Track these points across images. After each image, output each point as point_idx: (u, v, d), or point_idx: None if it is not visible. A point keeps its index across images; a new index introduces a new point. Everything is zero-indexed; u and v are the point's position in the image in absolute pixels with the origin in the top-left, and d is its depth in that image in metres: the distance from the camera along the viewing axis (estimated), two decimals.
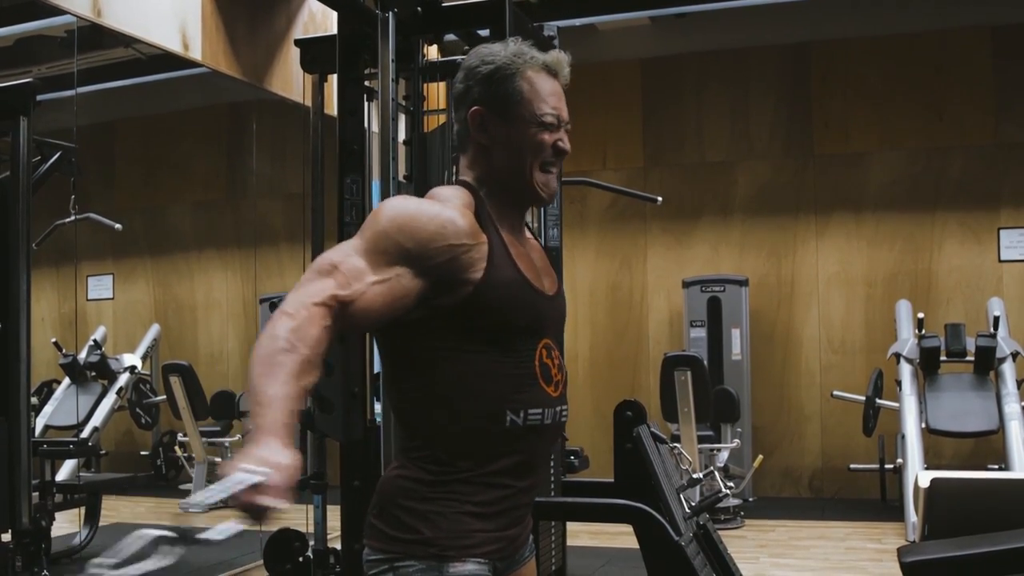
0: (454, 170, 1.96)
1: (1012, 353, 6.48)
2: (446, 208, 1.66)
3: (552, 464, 3.22)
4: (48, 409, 5.17)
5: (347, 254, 1.59)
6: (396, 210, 1.66)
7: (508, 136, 1.72)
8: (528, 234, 1.85)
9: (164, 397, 5.98)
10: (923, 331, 6.61)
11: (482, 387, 1.66)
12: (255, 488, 1.33)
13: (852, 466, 7.09)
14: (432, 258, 1.60)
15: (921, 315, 6.67)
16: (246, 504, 1.34)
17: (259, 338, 1.48)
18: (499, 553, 1.70)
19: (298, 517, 4.18)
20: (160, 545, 1.37)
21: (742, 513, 6.61)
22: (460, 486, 1.66)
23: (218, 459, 6.27)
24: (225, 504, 1.36)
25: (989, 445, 6.73)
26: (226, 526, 1.36)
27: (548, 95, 1.73)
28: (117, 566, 1.32)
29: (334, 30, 3.82)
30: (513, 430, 1.66)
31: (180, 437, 6.20)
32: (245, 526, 1.37)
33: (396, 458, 1.75)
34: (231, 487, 1.34)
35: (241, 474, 1.34)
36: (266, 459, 1.35)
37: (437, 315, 1.64)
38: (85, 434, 5.11)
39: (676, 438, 6.23)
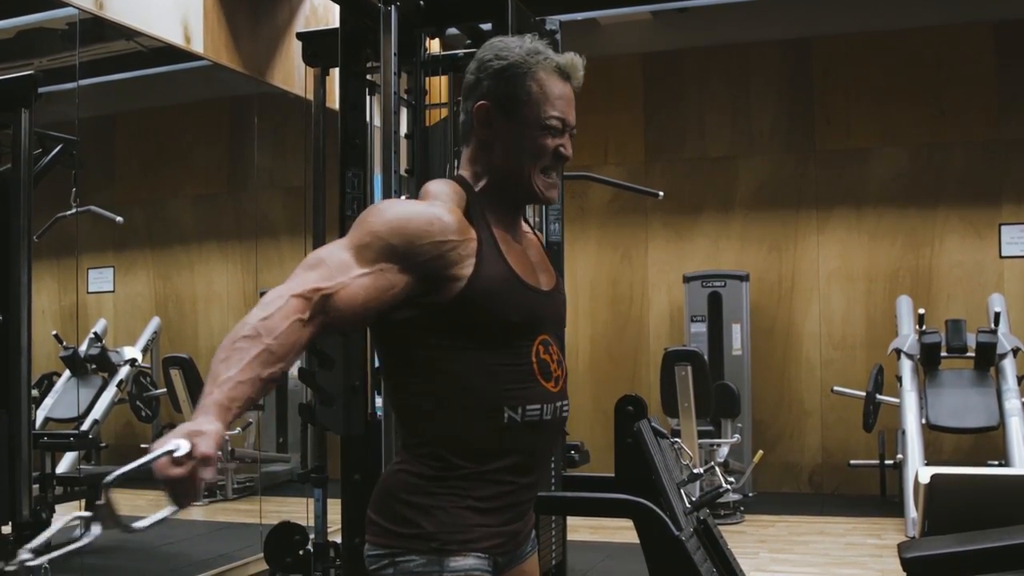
0: (455, 163, 1.96)
1: (1013, 349, 6.48)
2: (434, 205, 1.66)
3: (552, 458, 3.22)
4: (48, 402, 5.17)
5: (334, 249, 1.61)
6: (385, 208, 1.67)
7: (511, 135, 1.72)
8: (527, 229, 1.85)
9: (164, 390, 5.98)
10: (924, 327, 6.61)
11: (479, 385, 1.65)
12: (174, 460, 1.32)
13: (852, 462, 7.10)
14: (418, 255, 1.60)
15: (922, 311, 6.67)
16: (164, 477, 1.32)
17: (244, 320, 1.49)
18: (500, 548, 1.70)
19: (298, 511, 4.19)
20: (87, 527, 1.36)
21: (742, 508, 6.62)
22: (461, 482, 1.66)
23: (218, 452, 6.26)
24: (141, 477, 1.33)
25: (989, 441, 6.73)
26: (157, 513, 1.35)
27: (556, 99, 1.72)
28: (43, 550, 1.33)
29: (336, 24, 3.81)
30: (512, 427, 1.66)
31: None
32: (170, 511, 1.35)
33: (398, 454, 1.75)
34: (146, 459, 1.32)
35: (169, 444, 1.32)
36: (192, 432, 1.35)
37: (430, 313, 1.64)
38: (85, 427, 5.11)
39: (676, 433, 6.23)
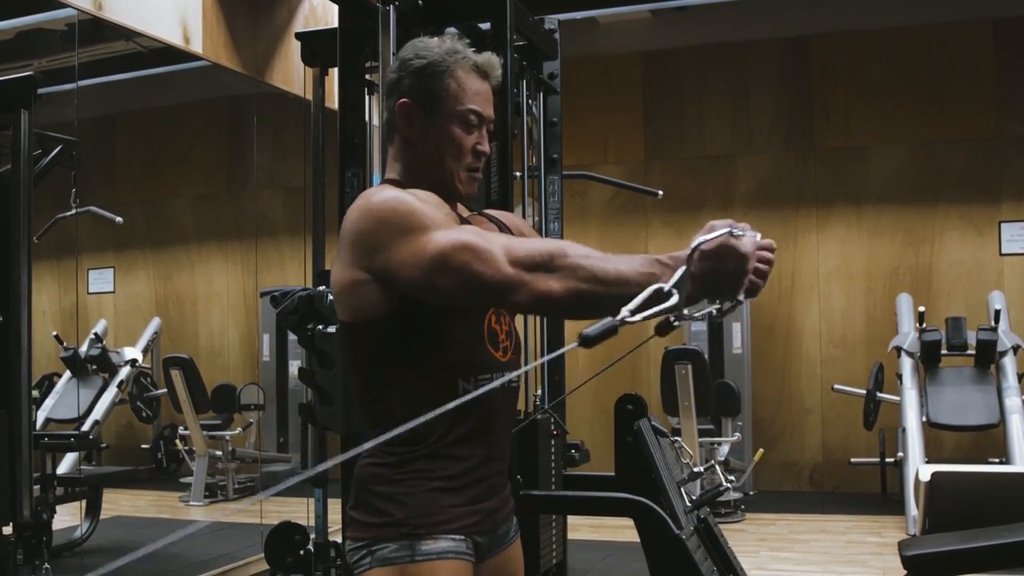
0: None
1: (1013, 347, 6.48)
2: (401, 191, 1.73)
3: (552, 457, 3.22)
4: (49, 402, 5.18)
5: (427, 239, 1.60)
6: (384, 203, 1.68)
7: (431, 131, 1.78)
8: (466, 211, 1.89)
9: (165, 390, 5.98)
10: (924, 324, 6.61)
11: (433, 358, 1.70)
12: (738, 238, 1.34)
13: (853, 460, 7.10)
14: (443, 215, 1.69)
15: (922, 308, 6.67)
16: (743, 251, 1.34)
17: (562, 278, 1.49)
18: (477, 527, 1.73)
19: (299, 510, 4.19)
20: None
21: (743, 507, 6.61)
22: (424, 463, 1.69)
23: (218, 452, 6.27)
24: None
25: (990, 439, 6.73)
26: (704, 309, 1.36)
27: (474, 94, 1.78)
28: None
29: (335, 23, 3.81)
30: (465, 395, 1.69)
31: (181, 430, 6.20)
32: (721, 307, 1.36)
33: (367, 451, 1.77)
34: (722, 232, 1.33)
35: (711, 231, 1.34)
36: (713, 223, 1.38)
37: (382, 290, 1.66)
38: (86, 427, 5.12)
39: (677, 432, 6.23)
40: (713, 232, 1.35)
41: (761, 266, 1.40)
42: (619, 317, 1.30)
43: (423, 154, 1.79)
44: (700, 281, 1.36)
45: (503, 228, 1.91)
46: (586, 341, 1.28)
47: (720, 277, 1.36)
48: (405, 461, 1.69)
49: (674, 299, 1.32)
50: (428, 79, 1.76)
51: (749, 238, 1.34)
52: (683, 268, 1.34)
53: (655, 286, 1.33)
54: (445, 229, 1.60)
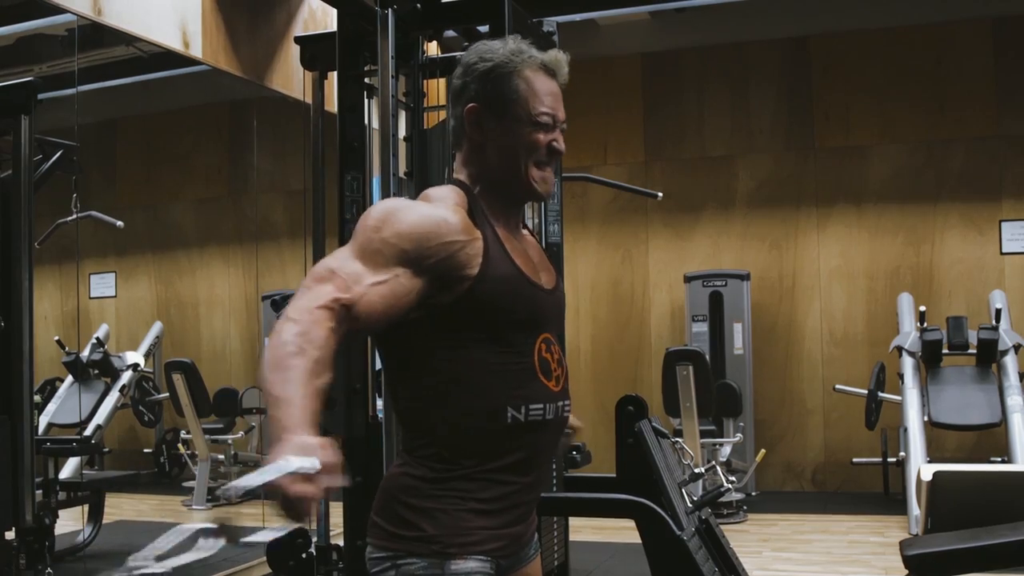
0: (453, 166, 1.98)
1: (1014, 346, 6.48)
2: (438, 207, 1.66)
3: (553, 459, 3.22)
4: (51, 407, 5.18)
5: (343, 259, 1.58)
6: (388, 212, 1.65)
7: (503, 134, 1.72)
8: (525, 231, 1.85)
9: (167, 395, 5.98)
10: (925, 324, 6.61)
11: (482, 384, 1.65)
12: (301, 476, 1.29)
13: (855, 460, 7.10)
14: (429, 257, 1.60)
15: (923, 308, 6.67)
16: (292, 493, 1.29)
17: (267, 348, 1.46)
18: (502, 551, 1.70)
19: None
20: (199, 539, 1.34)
21: (744, 507, 6.61)
22: (463, 483, 1.65)
23: (221, 456, 6.27)
24: (256, 496, 1.31)
25: (991, 438, 6.73)
26: (252, 476, 1.30)
27: (545, 95, 1.72)
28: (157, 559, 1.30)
29: (334, 27, 3.82)
30: (514, 426, 1.66)
31: (183, 435, 6.20)
32: (286, 524, 1.35)
33: (399, 456, 1.74)
34: (275, 472, 1.28)
35: (286, 461, 1.29)
36: (306, 446, 1.32)
37: (434, 313, 1.63)
38: (88, 432, 5.11)
39: (678, 433, 6.23)
40: (267, 475, 1.30)
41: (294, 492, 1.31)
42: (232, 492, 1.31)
43: (495, 157, 1.74)
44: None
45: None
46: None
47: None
48: (444, 479, 1.65)
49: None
50: (495, 82, 1.71)
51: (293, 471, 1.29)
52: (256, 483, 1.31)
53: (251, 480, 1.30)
54: (355, 259, 1.57)
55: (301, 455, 1.30)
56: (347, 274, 1.55)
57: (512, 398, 1.66)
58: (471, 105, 1.73)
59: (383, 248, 1.58)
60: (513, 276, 1.68)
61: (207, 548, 1.22)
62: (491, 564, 1.67)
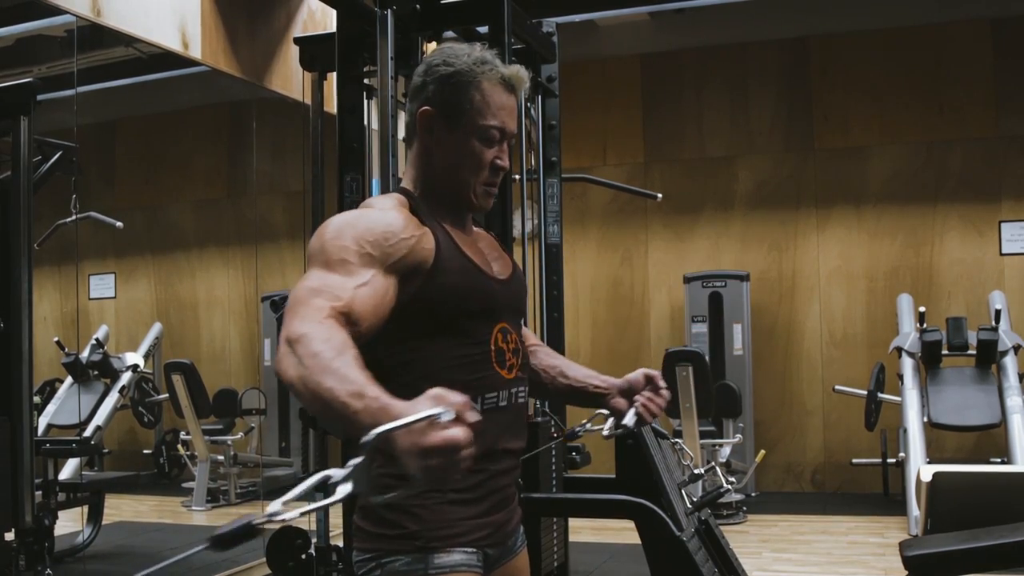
0: None
1: (1014, 346, 6.48)
2: (383, 211, 1.68)
3: (553, 459, 3.22)
4: (51, 408, 5.18)
5: (317, 278, 1.55)
6: (339, 224, 1.65)
7: (451, 143, 1.74)
8: (474, 226, 1.87)
9: (166, 396, 5.98)
10: (924, 325, 6.61)
11: (443, 376, 1.64)
12: (441, 425, 1.19)
13: (854, 460, 7.09)
14: (392, 255, 1.61)
15: (922, 309, 6.67)
16: (431, 445, 1.18)
17: (292, 368, 1.38)
18: (487, 540, 1.71)
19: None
20: (334, 489, 1.19)
21: (744, 508, 6.61)
22: None
23: (220, 457, 6.28)
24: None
25: (991, 439, 6.74)
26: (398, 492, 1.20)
27: (498, 109, 1.74)
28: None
29: (333, 28, 3.81)
30: None
31: (183, 435, 6.21)
32: (412, 489, 1.22)
33: None
34: (416, 417, 1.17)
35: (422, 412, 1.18)
36: (435, 396, 1.24)
37: (395, 309, 1.63)
38: (88, 433, 5.11)
39: (678, 434, 6.23)
40: (410, 417, 1.20)
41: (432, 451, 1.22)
42: (259, 519, 1.13)
43: (440, 165, 1.75)
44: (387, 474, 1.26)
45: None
46: (217, 544, 1.12)
47: (423, 471, 1.22)
48: None
49: (346, 489, 1.18)
50: (453, 88, 1.72)
51: (443, 424, 1.18)
52: (359, 460, 1.19)
53: (321, 475, 1.20)
54: (328, 273, 1.55)
55: (439, 404, 1.20)
56: (328, 287, 1.53)
57: (470, 388, 1.63)
58: (425, 108, 1.74)
59: (347, 256, 1.58)
60: (465, 268, 1.71)
61: (336, 495, 1.18)
62: (478, 555, 1.69)
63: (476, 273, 1.72)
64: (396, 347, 1.67)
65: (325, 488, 1.20)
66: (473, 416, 1.23)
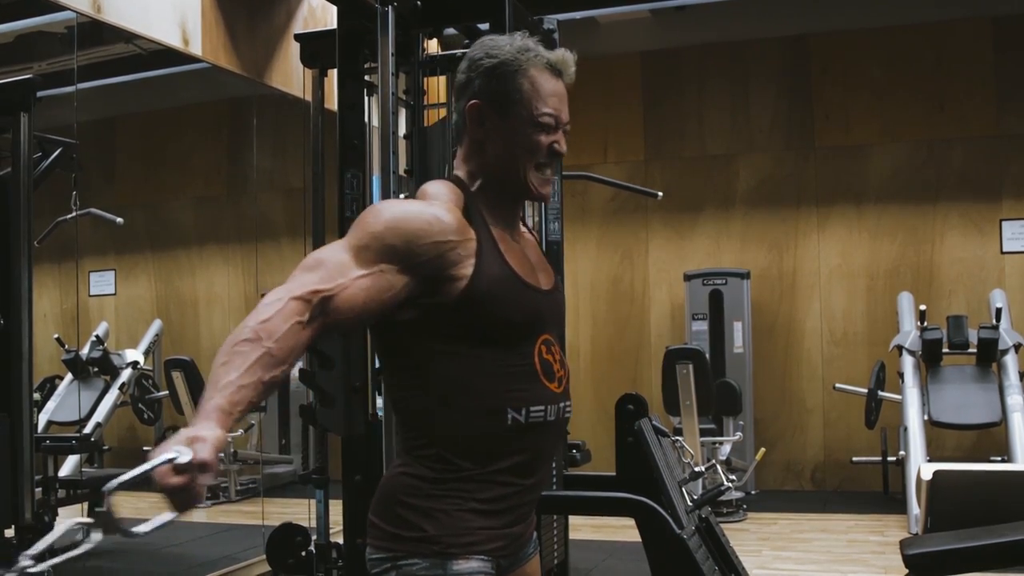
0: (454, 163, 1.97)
1: (1014, 345, 6.48)
2: (432, 206, 1.66)
3: (554, 459, 3.22)
4: (51, 405, 5.17)
5: (334, 250, 1.59)
6: (384, 209, 1.66)
7: (504, 133, 1.71)
8: (523, 229, 1.84)
9: (167, 393, 5.98)
10: (925, 323, 6.61)
11: (482, 386, 1.64)
12: (173, 467, 1.30)
13: (854, 459, 7.09)
14: (418, 255, 1.59)
15: (923, 307, 6.67)
16: (164, 486, 1.30)
17: (232, 333, 1.47)
18: (503, 551, 1.69)
19: (300, 512, 4.19)
20: (88, 534, 1.34)
21: (744, 506, 6.61)
22: (464, 484, 1.64)
23: (220, 454, 6.27)
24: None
25: (991, 437, 6.73)
26: (157, 518, 1.32)
27: (548, 95, 1.70)
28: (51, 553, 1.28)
29: (334, 25, 3.81)
30: (516, 428, 1.65)
31: None
32: (171, 516, 1.33)
33: (399, 456, 1.73)
34: (147, 467, 1.30)
35: (167, 451, 1.30)
36: (188, 437, 1.32)
37: (431, 315, 1.63)
38: (88, 430, 5.11)
39: (678, 431, 6.23)
40: (141, 468, 1.31)
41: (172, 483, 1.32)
42: (108, 487, 1.31)
43: (494, 154, 1.72)
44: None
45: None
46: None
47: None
48: (444, 479, 1.64)
49: (97, 536, 1.33)
50: (500, 79, 1.69)
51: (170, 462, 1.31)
52: (103, 509, 1.33)
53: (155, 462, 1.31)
54: (344, 251, 1.58)
55: (182, 445, 1.31)
56: (334, 265, 1.55)
57: (513, 400, 1.65)
58: (473, 102, 1.71)
59: (372, 243, 1.58)
60: (507, 277, 1.67)
61: (89, 542, 1.21)
62: (492, 564, 1.67)
63: (518, 283, 1.68)
64: (428, 351, 1.65)
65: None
66: (204, 475, 1.32)
